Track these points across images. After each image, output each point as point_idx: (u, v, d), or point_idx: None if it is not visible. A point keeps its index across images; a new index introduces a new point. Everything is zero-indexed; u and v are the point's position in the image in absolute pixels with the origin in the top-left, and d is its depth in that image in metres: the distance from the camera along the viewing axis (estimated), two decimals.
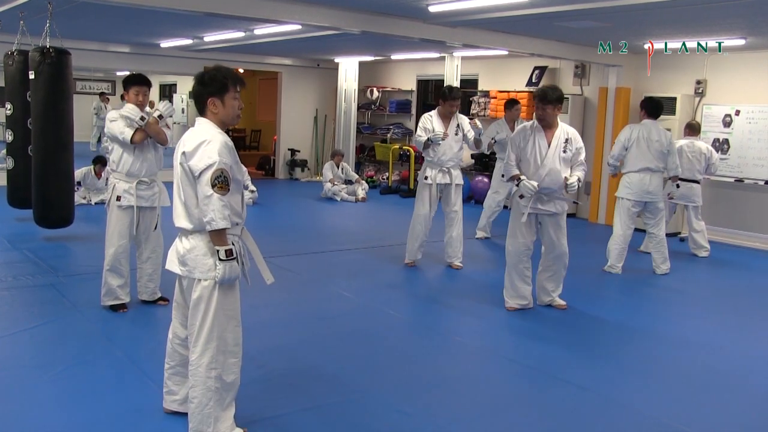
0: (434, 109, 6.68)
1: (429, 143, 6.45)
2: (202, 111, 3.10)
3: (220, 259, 2.99)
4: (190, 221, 3.06)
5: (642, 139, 6.59)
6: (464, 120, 6.64)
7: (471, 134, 6.55)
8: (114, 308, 4.95)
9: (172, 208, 3.17)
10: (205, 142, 2.97)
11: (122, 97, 14.79)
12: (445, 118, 6.55)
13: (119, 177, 4.84)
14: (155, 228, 5.01)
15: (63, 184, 6.49)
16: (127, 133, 4.73)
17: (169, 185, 5.00)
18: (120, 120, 4.76)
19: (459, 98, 6.58)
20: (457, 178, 6.61)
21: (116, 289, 4.92)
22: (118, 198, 4.82)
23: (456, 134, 6.53)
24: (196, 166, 2.94)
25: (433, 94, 12.66)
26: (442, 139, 6.40)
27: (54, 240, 7.17)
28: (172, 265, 3.18)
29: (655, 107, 6.73)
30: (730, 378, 4.28)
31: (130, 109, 4.77)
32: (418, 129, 6.57)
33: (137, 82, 4.87)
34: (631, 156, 6.63)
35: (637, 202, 6.67)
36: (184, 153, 3.00)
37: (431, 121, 6.51)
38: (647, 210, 6.75)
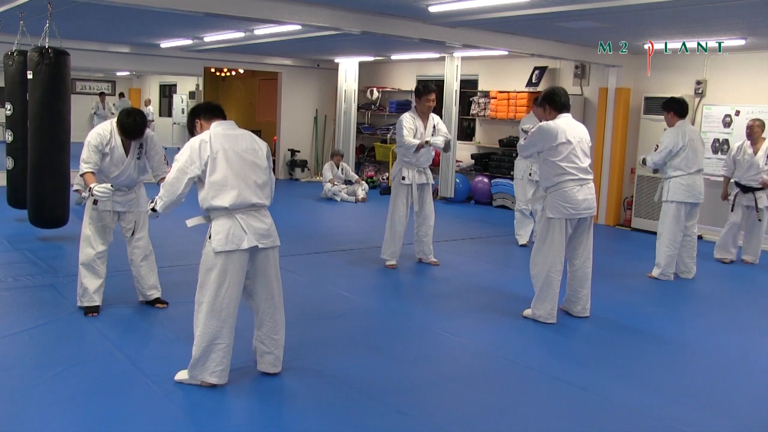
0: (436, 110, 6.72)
1: (424, 146, 6.43)
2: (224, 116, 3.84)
3: None
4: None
5: (693, 140, 6.52)
6: (439, 121, 6.70)
7: (439, 140, 6.48)
8: (85, 311, 4.83)
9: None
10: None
11: (121, 95, 14.45)
12: (423, 116, 6.57)
13: (99, 181, 4.69)
14: (132, 233, 4.91)
15: (58, 184, 6.48)
16: (83, 167, 4.64)
17: (150, 187, 5.01)
18: (90, 147, 4.67)
19: (434, 92, 6.60)
20: (431, 177, 6.73)
21: (90, 293, 4.82)
22: (95, 201, 4.72)
23: (432, 134, 6.59)
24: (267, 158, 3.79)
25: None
26: (416, 151, 6.44)
27: (53, 240, 7.16)
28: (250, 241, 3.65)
29: (684, 106, 6.64)
30: (731, 378, 4.28)
31: (98, 138, 4.68)
32: (405, 130, 6.45)
33: (128, 125, 4.68)
34: (686, 158, 6.47)
35: (693, 205, 6.58)
36: (268, 152, 3.81)
37: (413, 121, 6.51)
38: (690, 212, 6.65)
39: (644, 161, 6.80)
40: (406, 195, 6.59)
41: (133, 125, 4.61)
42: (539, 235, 5.20)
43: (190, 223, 3.76)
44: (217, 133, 3.69)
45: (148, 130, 4.84)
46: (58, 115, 6.29)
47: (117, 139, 4.73)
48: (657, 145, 6.56)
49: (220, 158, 3.61)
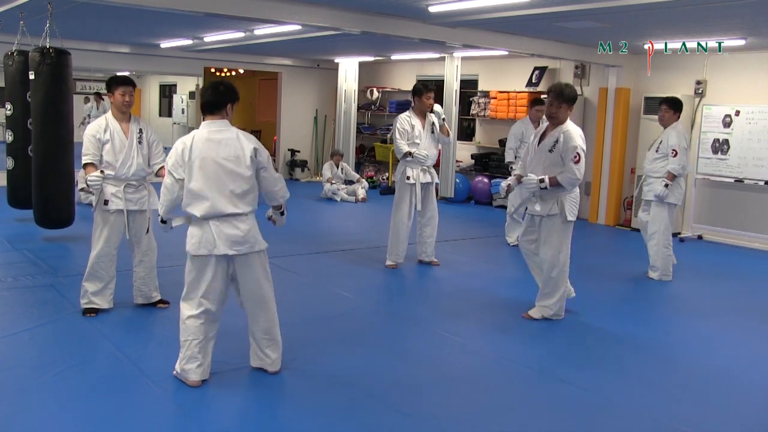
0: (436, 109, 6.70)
1: (409, 156, 6.44)
2: (220, 113, 3.68)
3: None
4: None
5: (687, 140, 6.54)
6: (434, 118, 6.67)
7: (422, 153, 6.48)
8: (84, 312, 4.84)
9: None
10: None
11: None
12: (421, 114, 6.57)
13: (107, 180, 4.69)
14: (147, 231, 4.92)
15: (63, 184, 6.49)
16: (83, 159, 4.67)
17: (157, 186, 5.03)
18: (88, 138, 4.69)
19: (434, 90, 6.59)
20: (435, 176, 6.70)
21: (90, 295, 4.84)
22: (106, 202, 4.71)
23: (432, 132, 6.58)
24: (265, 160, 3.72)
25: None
26: (403, 157, 6.46)
27: (54, 240, 7.17)
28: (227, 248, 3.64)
29: (679, 105, 6.60)
30: (730, 378, 4.28)
31: (94, 127, 4.70)
32: (397, 133, 6.48)
33: (123, 82, 4.79)
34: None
35: (675, 206, 6.61)
36: (253, 156, 3.63)
37: (408, 121, 6.50)
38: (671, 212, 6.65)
39: (672, 174, 6.45)
40: (410, 195, 6.55)
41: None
42: (560, 239, 5.06)
43: (174, 223, 3.80)
44: (200, 137, 3.62)
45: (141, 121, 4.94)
46: (61, 115, 6.30)
47: (114, 125, 4.74)
48: (674, 151, 6.44)
49: (196, 167, 3.58)
